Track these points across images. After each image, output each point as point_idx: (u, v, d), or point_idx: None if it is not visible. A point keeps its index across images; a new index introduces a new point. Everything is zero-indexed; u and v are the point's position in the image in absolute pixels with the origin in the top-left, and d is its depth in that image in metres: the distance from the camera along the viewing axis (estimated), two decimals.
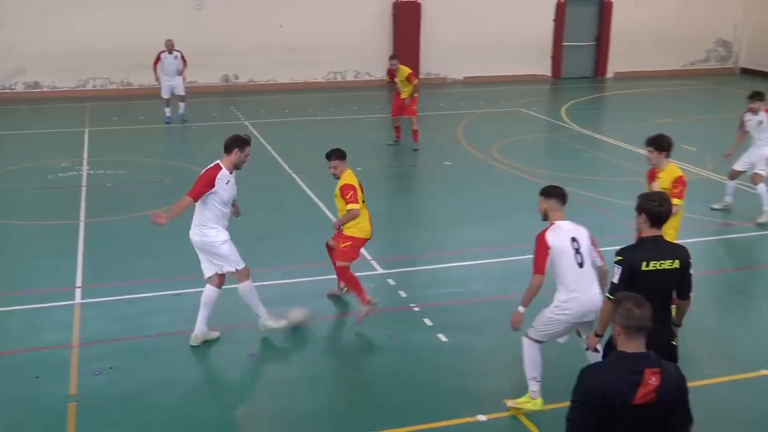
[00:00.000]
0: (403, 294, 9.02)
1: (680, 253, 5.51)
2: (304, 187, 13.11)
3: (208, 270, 7.72)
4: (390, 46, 23.57)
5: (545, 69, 25.24)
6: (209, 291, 7.75)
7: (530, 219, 8.06)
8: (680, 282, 5.55)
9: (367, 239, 8.44)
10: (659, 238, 5.51)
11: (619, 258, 5.43)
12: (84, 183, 13.29)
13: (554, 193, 6.58)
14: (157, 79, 17.96)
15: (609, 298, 5.44)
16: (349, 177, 8.26)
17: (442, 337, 8.01)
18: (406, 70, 16.07)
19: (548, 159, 15.66)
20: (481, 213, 11.82)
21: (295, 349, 7.87)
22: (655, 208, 5.47)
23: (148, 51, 18.50)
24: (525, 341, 6.58)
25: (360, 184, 8.30)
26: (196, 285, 9.30)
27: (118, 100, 21.17)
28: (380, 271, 9.68)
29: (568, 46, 25.22)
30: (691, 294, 5.67)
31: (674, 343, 5.62)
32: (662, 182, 8.13)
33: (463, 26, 23.68)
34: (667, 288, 5.52)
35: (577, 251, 6.33)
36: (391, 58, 16.43)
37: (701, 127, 18.42)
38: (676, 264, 5.44)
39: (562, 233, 6.39)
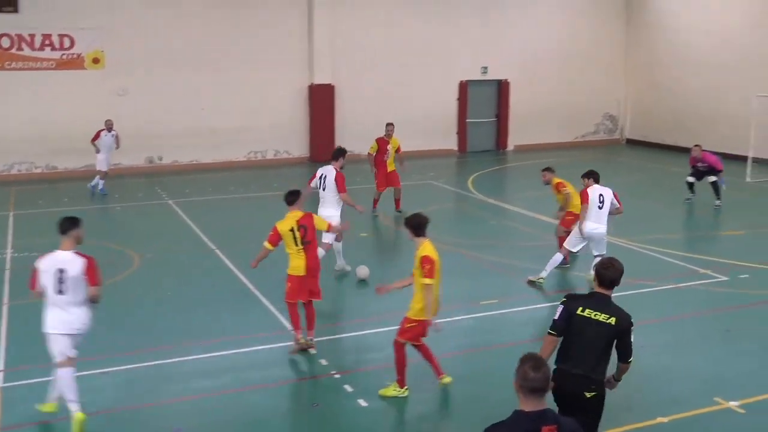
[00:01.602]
0: (324, 362, 8.89)
1: (620, 314, 5.82)
2: (227, 262, 12.91)
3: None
4: (307, 124, 23.80)
5: (452, 144, 25.82)
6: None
7: (445, 285, 8.14)
8: (619, 344, 5.82)
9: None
10: (605, 297, 5.89)
11: (563, 300, 5.95)
12: (8, 266, 12.78)
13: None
14: (97, 152, 18.43)
15: (549, 332, 5.91)
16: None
17: (362, 402, 7.91)
18: (397, 141, 16.21)
19: (457, 227, 15.88)
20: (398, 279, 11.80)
21: (219, 420, 7.62)
22: (601, 272, 5.93)
23: (73, 136, 18.16)
24: None
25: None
26: (122, 362, 8.98)
27: (43, 183, 20.62)
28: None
29: (472, 123, 25.92)
30: (631, 360, 5.92)
31: (587, 395, 5.75)
32: None
33: (374, 106, 24.09)
34: (599, 338, 5.76)
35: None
36: (389, 125, 16.38)
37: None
38: (612, 320, 5.76)
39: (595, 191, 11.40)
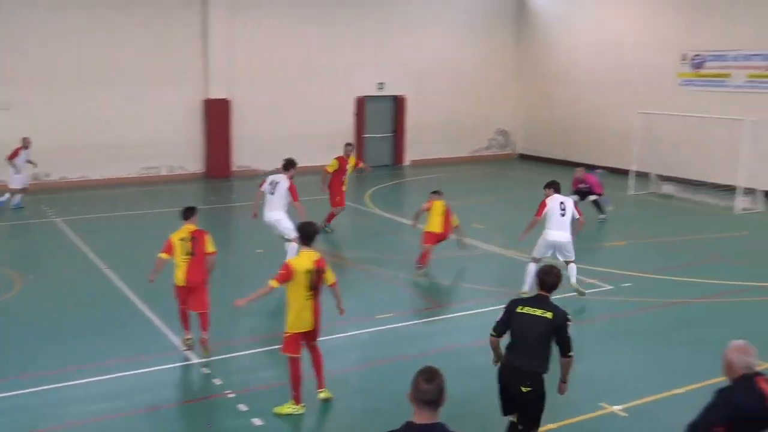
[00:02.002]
0: (218, 381, 8.72)
1: (556, 310, 6.39)
2: (117, 282, 12.51)
3: None
4: (203, 140, 23.39)
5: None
6: None
7: (342, 299, 8.14)
8: (557, 338, 6.32)
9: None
10: (545, 297, 6.50)
11: (507, 304, 6.57)
12: None
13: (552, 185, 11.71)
14: (16, 172, 18.17)
15: (491, 334, 6.52)
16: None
17: (257, 421, 7.80)
18: (354, 159, 16.38)
19: (354, 242, 15.93)
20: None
21: None
22: (543, 278, 6.57)
23: None
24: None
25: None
26: (1, 390, 8.57)
27: None
28: (195, 360, 9.33)
29: (369, 138, 26.11)
30: (571, 354, 6.39)
31: (523, 389, 6.27)
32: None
33: (271, 121, 23.96)
34: (536, 332, 6.28)
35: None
36: (348, 144, 16.54)
37: (486, 206, 19.49)
38: (548, 315, 6.31)
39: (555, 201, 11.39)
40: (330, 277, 7.91)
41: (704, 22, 22.26)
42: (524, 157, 28.79)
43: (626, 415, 8.07)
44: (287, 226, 12.86)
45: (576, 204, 11.93)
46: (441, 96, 27.05)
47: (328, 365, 8.28)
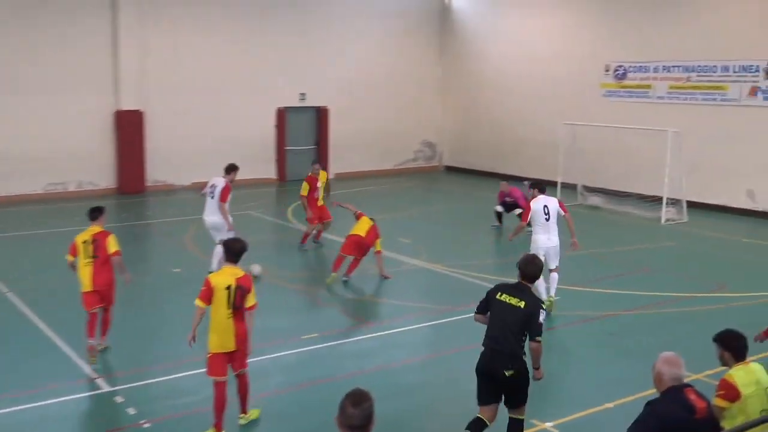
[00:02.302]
0: (132, 411, 8.40)
1: (529, 299, 6.94)
2: (20, 305, 11.98)
3: None
4: (114, 154, 22.76)
5: (271, 172, 25.68)
6: None
7: (265, 319, 7.97)
8: (529, 324, 6.84)
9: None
10: (524, 286, 7.05)
11: (488, 290, 7.20)
12: None
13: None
14: None
15: (476, 312, 7.25)
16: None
17: None
18: (325, 174, 16.53)
19: (276, 259, 15.72)
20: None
21: None
22: (524, 267, 7.08)
23: None
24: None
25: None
26: None
27: None
28: (106, 389, 8.98)
29: (291, 150, 25.92)
30: (539, 339, 6.87)
31: (506, 373, 6.80)
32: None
33: (188, 133, 23.52)
34: (512, 320, 6.86)
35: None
36: (315, 162, 16.74)
37: (412, 220, 19.56)
38: (522, 304, 6.88)
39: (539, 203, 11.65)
40: (250, 299, 7.71)
41: (626, 34, 22.96)
42: (451, 170, 29.08)
43: (557, 431, 8.14)
44: (224, 233, 13.11)
45: (561, 202, 12.02)
46: (365, 107, 27.10)
47: (251, 388, 8.09)
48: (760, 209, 20.23)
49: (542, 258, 11.41)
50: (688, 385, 5.34)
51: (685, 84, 21.51)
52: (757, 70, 19.91)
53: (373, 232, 13.66)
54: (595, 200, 21.79)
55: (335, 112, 26.52)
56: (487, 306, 7.13)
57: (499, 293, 7.02)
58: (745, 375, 6.01)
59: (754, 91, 20.02)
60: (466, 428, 7.06)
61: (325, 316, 12.00)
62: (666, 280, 14.27)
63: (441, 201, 21.48)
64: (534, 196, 12.04)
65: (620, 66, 23.17)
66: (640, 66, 22.63)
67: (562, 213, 11.90)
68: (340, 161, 26.87)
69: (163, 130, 23.21)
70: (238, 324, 7.68)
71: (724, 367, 6.21)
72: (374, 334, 11.06)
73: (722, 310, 12.36)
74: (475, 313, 7.32)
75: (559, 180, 22.07)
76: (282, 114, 25.57)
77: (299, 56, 25.50)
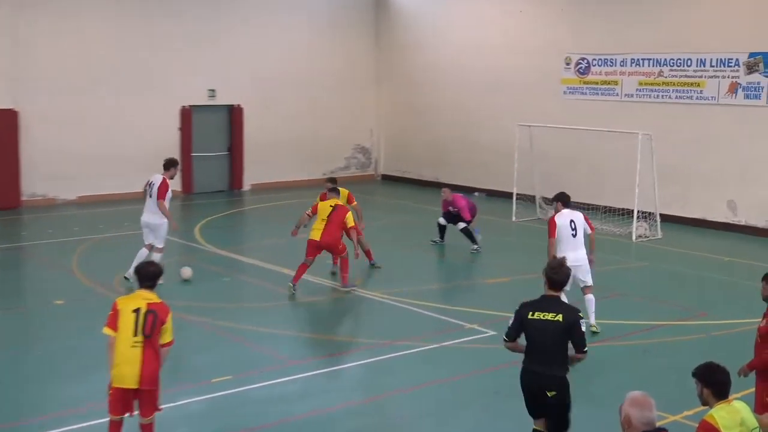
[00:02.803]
0: None
1: (565, 310, 7.54)
2: None
3: None
4: None
5: (174, 184, 25.30)
6: None
7: (170, 360, 7.86)
8: (571, 338, 7.45)
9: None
10: (553, 297, 7.65)
11: (517, 308, 7.70)
12: None
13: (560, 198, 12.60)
14: None
15: (504, 339, 7.77)
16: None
17: None
18: (345, 192, 16.31)
19: (183, 286, 15.53)
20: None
21: None
22: (551, 276, 7.64)
23: None
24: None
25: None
26: None
27: None
28: None
29: (199, 157, 25.70)
30: (585, 350, 7.56)
31: (549, 394, 7.44)
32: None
33: (72, 138, 23.12)
34: (551, 336, 7.42)
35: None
36: (331, 181, 16.29)
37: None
38: (559, 317, 7.44)
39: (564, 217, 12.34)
40: (166, 334, 7.71)
41: (590, 22, 23.48)
42: (388, 179, 29.22)
43: None
44: (162, 235, 14.74)
45: (586, 217, 12.80)
46: (287, 106, 27.09)
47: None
48: (743, 223, 20.85)
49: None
50: (661, 429, 5.44)
51: (656, 80, 22.09)
52: (737, 64, 20.57)
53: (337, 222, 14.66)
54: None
55: (252, 111, 26.42)
56: (520, 329, 7.64)
57: (531, 312, 7.56)
58: (727, 415, 6.07)
59: (733, 88, 20.67)
60: None
61: (241, 355, 11.89)
62: (637, 307, 14.56)
63: (377, 215, 21.52)
64: (558, 210, 12.61)
65: (583, 59, 23.68)
66: (606, 59, 23.16)
67: (589, 231, 12.71)
68: (257, 170, 26.76)
69: (43, 135, 22.74)
70: (146, 357, 7.61)
71: (704, 407, 6.32)
72: (300, 375, 11.01)
73: (702, 340, 12.66)
74: (505, 341, 7.79)
75: (515, 191, 22.38)
76: (187, 114, 25.35)
77: (208, 46, 25.38)
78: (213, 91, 25.79)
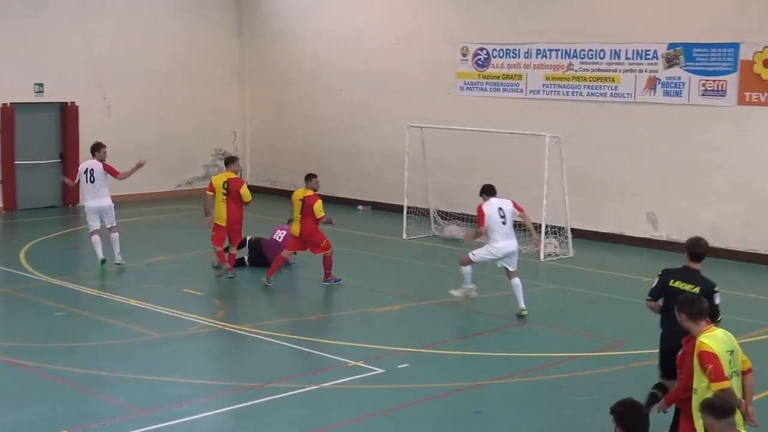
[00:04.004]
0: None
1: (703, 282, 9.65)
2: None
3: None
4: None
5: None
6: None
7: None
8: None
9: None
10: (693, 270, 9.87)
11: (660, 273, 10.07)
12: None
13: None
14: None
15: (647, 299, 10.24)
16: None
17: None
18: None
19: (5, 326, 15.17)
20: None
21: None
22: (691, 248, 9.95)
23: None
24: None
25: None
26: None
27: None
28: None
29: (24, 166, 25.15)
30: (719, 320, 9.27)
31: None
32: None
33: None
34: None
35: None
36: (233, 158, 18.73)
37: (204, 263, 19.36)
38: (696, 290, 9.43)
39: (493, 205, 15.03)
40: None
41: (490, 6, 23.86)
42: (256, 190, 28.96)
43: None
44: (113, 215, 18.37)
45: (515, 203, 15.38)
46: (131, 104, 26.79)
47: None
48: (664, 238, 21.52)
49: (487, 261, 15.43)
50: None
51: (565, 74, 22.65)
52: (656, 57, 21.30)
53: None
54: (453, 231, 22.37)
55: (89, 110, 26.00)
56: (661, 292, 9.90)
57: (672, 280, 9.76)
58: None
59: (651, 84, 21.38)
60: (653, 388, 9.78)
61: (79, 404, 11.64)
62: (548, 336, 14.87)
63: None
64: (485, 200, 15.19)
65: (482, 49, 24.11)
66: (508, 49, 23.64)
67: (518, 213, 15.38)
68: None
69: None
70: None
71: None
72: (152, 427, 10.84)
73: (621, 373, 13.03)
74: (648, 299, 10.19)
75: (405, 204, 22.55)
76: (8, 114, 24.86)
77: (33, 31, 24.86)
78: (41, 86, 25.32)
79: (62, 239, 22.28)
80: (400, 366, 13.03)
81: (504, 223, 15.08)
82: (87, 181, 18.09)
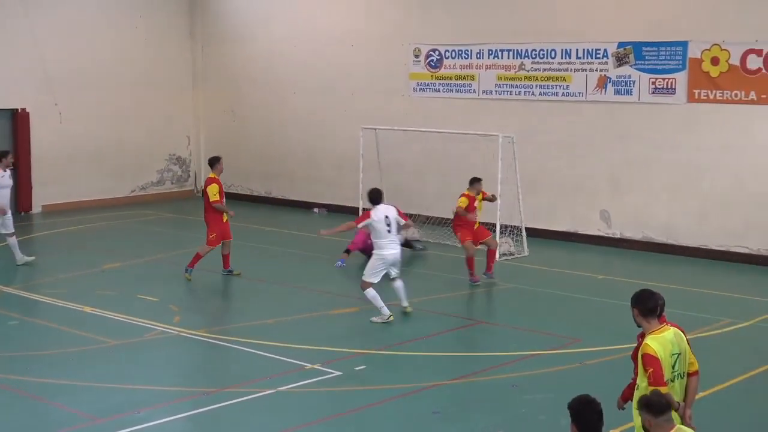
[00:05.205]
0: None
1: None
2: None
3: None
4: None
5: None
6: None
7: None
8: None
9: None
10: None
11: None
12: None
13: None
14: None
15: None
16: None
17: None
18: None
19: None
20: None
21: None
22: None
23: None
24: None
25: None
26: None
27: None
28: None
29: None
30: None
31: None
32: None
33: None
34: None
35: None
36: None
37: (160, 269, 19.30)
38: None
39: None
40: None
41: (441, 7, 23.97)
42: None
43: None
44: (10, 219, 18.82)
45: (399, 210, 15.51)
46: (84, 109, 26.58)
47: None
48: (618, 235, 21.77)
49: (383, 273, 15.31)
50: None
51: (517, 74, 22.81)
52: (606, 56, 21.52)
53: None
54: (410, 232, 22.39)
55: (40, 116, 25.76)
56: None
57: None
58: None
59: (602, 82, 21.61)
60: None
61: (35, 414, 11.57)
62: (504, 335, 14.98)
63: (198, 239, 21.29)
64: (372, 207, 15.22)
65: (434, 50, 24.22)
66: (460, 50, 23.77)
67: (402, 222, 15.50)
68: (49, 188, 26.14)
69: None
70: None
71: None
72: None
73: (576, 370, 13.16)
74: None
75: (361, 206, 22.57)
76: None
77: None
78: None
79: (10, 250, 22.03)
80: (356, 368, 13.07)
81: (389, 231, 15.18)
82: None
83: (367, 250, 18.22)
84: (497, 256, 19.19)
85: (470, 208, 18.07)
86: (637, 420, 7.56)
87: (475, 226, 18.25)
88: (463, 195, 18.15)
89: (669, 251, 20.76)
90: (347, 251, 19.49)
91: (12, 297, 17.07)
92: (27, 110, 25.63)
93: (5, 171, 19.01)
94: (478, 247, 18.26)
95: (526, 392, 12.27)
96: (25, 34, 25.32)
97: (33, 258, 19.48)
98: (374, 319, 15.24)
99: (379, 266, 15.18)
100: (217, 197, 18.07)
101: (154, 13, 28.12)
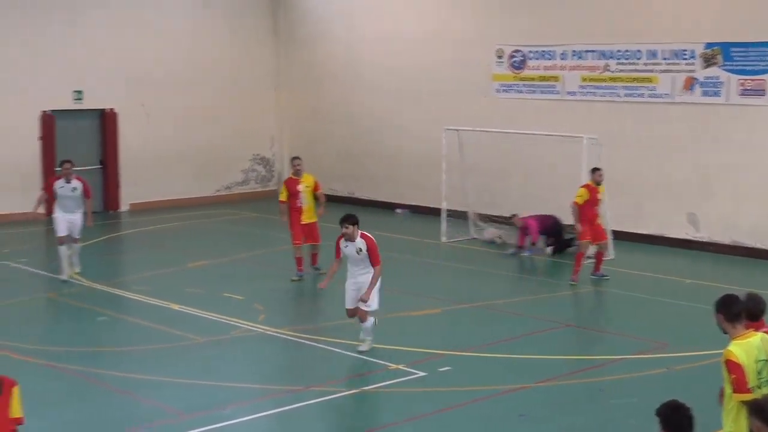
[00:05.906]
0: None
1: None
2: None
3: None
4: None
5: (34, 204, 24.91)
6: None
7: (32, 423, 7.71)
8: None
9: None
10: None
11: None
12: None
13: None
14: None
15: None
16: None
17: None
18: (311, 178, 18.60)
19: (47, 329, 15.30)
20: None
21: None
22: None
23: None
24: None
25: None
26: None
27: None
28: None
29: None
30: None
31: None
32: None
33: None
34: None
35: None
36: (295, 158, 19.03)
37: (244, 268, 19.45)
38: None
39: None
40: (16, 408, 7.38)
41: (525, 8, 23.76)
42: None
43: None
44: (78, 226, 17.92)
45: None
46: (170, 110, 26.86)
47: None
48: (706, 239, 21.34)
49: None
50: None
51: (602, 75, 22.53)
52: (693, 56, 21.14)
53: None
54: (492, 233, 22.31)
55: (128, 117, 26.14)
56: None
57: None
58: None
59: (689, 84, 21.23)
60: None
61: (125, 408, 11.73)
62: (590, 339, 14.82)
63: (282, 239, 21.43)
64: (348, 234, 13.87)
65: (517, 51, 24.04)
66: (544, 51, 23.56)
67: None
68: (138, 187, 26.49)
69: None
70: None
71: None
72: (199, 429, 10.91)
73: (663, 375, 12.95)
74: None
75: (444, 207, 22.50)
76: (49, 121, 24.99)
77: (71, 38, 25.05)
78: (80, 92, 25.45)
79: (103, 245, 22.36)
80: (441, 369, 13.01)
81: (359, 253, 13.73)
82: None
83: (549, 231, 20.01)
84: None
85: (592, 200, 18.12)
86: (728, 427, 7.40)
87: (597, 220, 18.34)
88: (582, 187, 18.30)
89: (758, 255, 20.33)
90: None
91: (100, 293, 17.33)
92: (115, 110, 26.03)
93: (69, 182, 18.29)
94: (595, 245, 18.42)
95: (613, 396, 12.12)
96: (114, 37, 25.70)
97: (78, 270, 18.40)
98: (361, 347, 13.75)
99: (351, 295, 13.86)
100: (283, 198, 18.57)
101: (238, 15, 28.35)
